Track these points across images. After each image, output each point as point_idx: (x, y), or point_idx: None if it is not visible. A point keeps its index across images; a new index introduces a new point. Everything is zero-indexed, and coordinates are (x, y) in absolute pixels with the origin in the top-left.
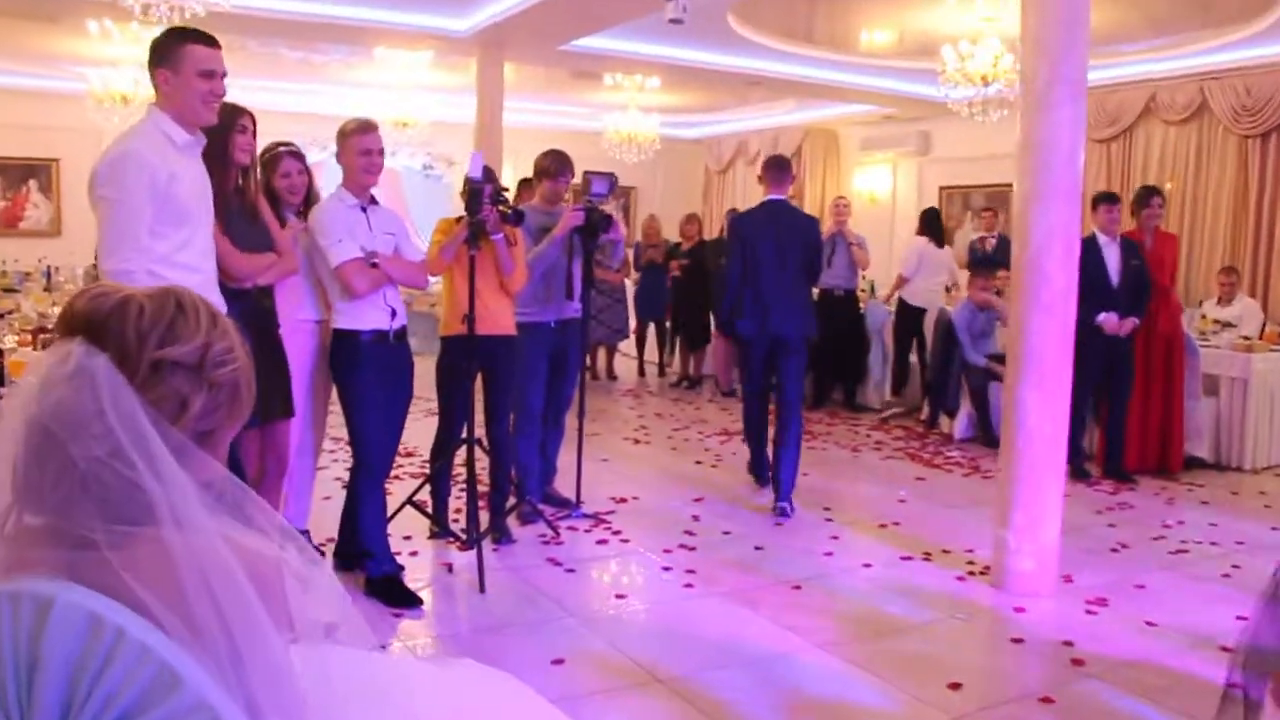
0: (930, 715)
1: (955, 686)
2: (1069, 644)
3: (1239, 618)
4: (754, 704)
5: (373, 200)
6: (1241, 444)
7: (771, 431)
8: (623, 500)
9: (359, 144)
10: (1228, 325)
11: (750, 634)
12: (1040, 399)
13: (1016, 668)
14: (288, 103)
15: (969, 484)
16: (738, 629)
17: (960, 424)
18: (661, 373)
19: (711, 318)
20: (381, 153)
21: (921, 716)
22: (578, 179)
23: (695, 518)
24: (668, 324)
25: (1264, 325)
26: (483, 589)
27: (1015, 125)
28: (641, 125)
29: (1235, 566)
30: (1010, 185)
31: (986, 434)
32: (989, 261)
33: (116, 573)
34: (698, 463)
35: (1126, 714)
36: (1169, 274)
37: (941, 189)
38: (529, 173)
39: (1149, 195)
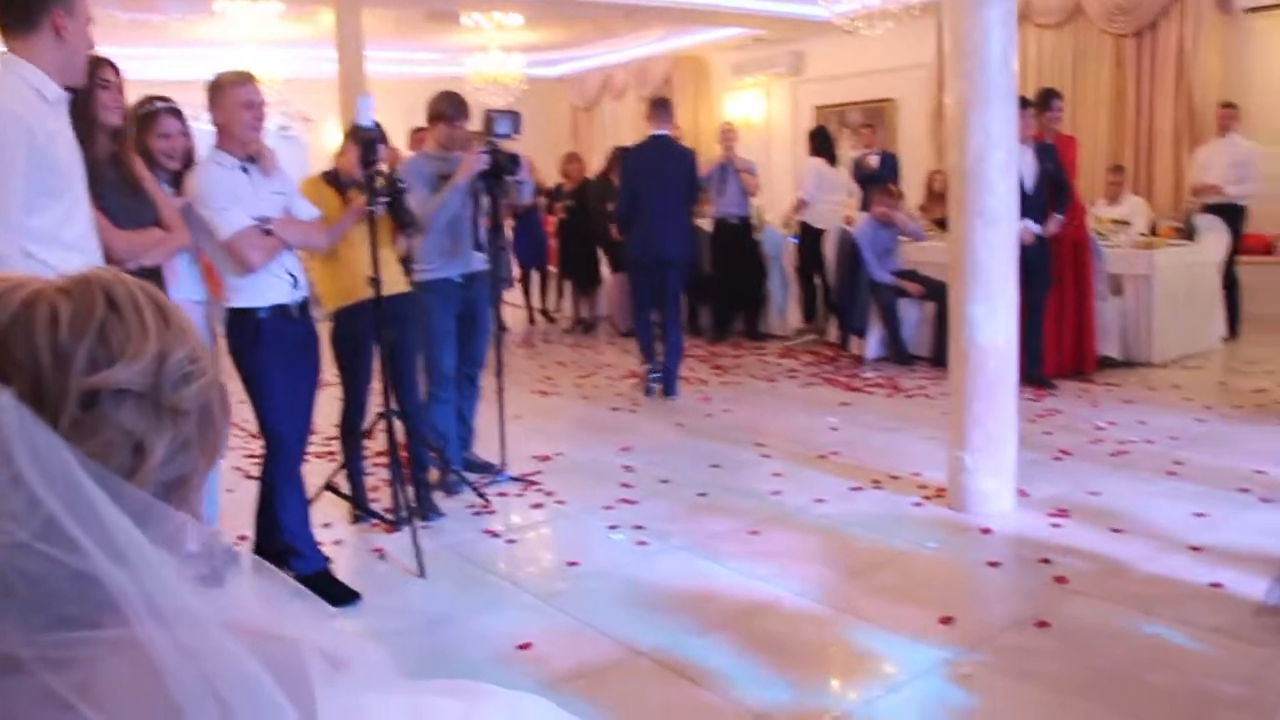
0: (929, 654)
1: (947, 620)
2: (1046, 561)
3: (1197, 514)
4: (748, 667)
5: (251, 159)
6: (1149, 339)
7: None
8: (546, 458)
9: (240, 96)
10: (1123, 224)
11: (722, 589)
12: (989, 313)
13: (1001, 593)
14: (125, 70)
15: (895, 404)
16: (708, 585)
17: (871, 344)
18: (550, 320)
19: (603, 257)
20: (264, 105)
21: (925, 657)
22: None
23: (627, 468)
24: (551, 268)
25: (1153, 222)
26: (422, 573)
27: (890, 40)
28: (505, 66)
29: (1178, 463)
30: (887, 100)
31: (898, 352)
32: (878, 178)
33: (66, 705)
34: (614, 409)
35: (1128, 630)
36: (1071, 176)
37: (817, 108)
38: (394, 125)
39: (1050, 98)
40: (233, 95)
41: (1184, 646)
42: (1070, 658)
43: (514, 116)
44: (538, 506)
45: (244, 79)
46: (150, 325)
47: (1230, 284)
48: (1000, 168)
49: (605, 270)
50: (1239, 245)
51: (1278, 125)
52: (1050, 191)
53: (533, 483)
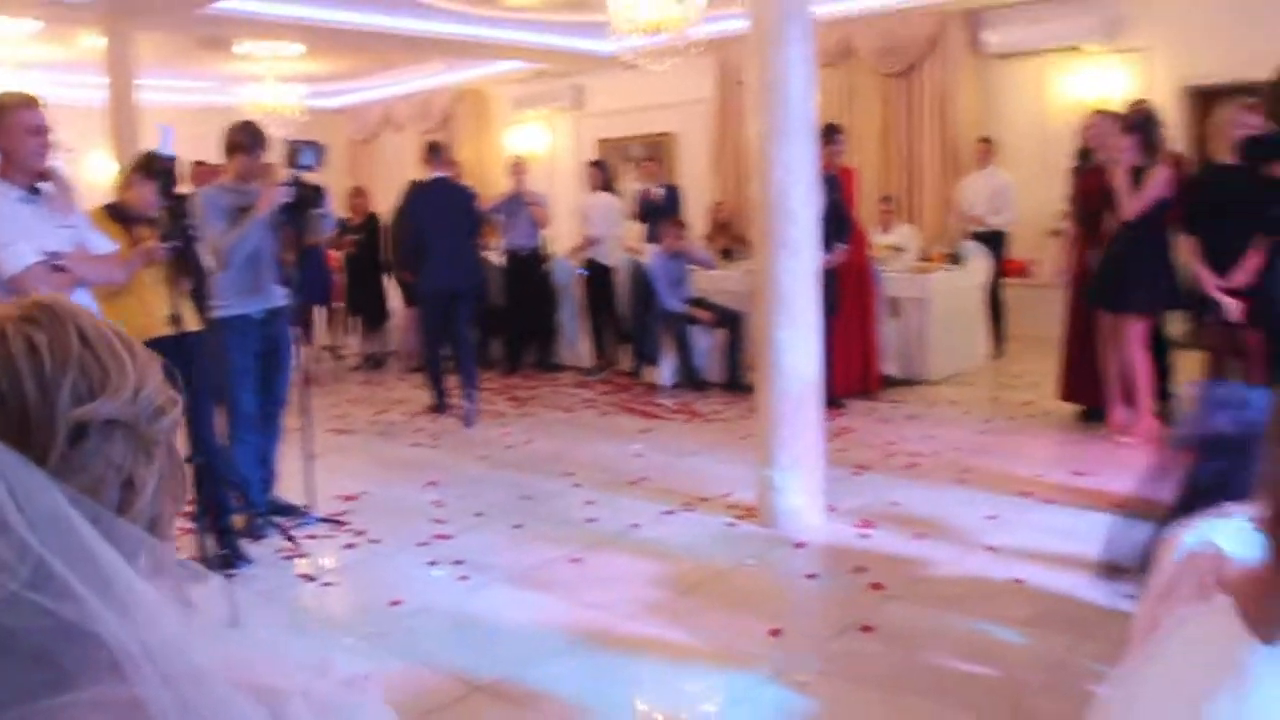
0: (766, 665)
1: (776, 632)
2: (860, 570)
3: (988, 517)
4: (585, 693)
5: (35, 189)
6: (925, 358)
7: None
8: (352, 497)
9: (25, 121)
10: (897, 250)
11: (553, 618)
12: (794, 338)
13: (823, 603)
14: None
15: (694, 429)
16: (538, 615)
17: (665, 372)
18: (338, 357)
19: (397, 289)
20: (50, 130)
21: (761, 669)
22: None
23: (437, 503)
24: (335, 305)
25: (923, 248)
26: (235, 623)
27: (671, 75)
28: (283, 97)
29: (965, 471)
30: (668, 134)
31: (691, 378)
32: (664, 211)
33: None
34: (414, 445)
35: (944, 627)
36: (853, 207)
37: (600, 142)
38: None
39: (833, 132)
40: (16, 119)
41: (996, 639)
42: (896, 658)
43: (317, 148)
44: (350, 547)
45: (27, 102)
46: (124, 356)
47: (995, 305)
48: (801, 199)
49: (395, 305)
50: (1001, 269)
51: (1029, 158)
52: (833, 222)
53: (342, 523)
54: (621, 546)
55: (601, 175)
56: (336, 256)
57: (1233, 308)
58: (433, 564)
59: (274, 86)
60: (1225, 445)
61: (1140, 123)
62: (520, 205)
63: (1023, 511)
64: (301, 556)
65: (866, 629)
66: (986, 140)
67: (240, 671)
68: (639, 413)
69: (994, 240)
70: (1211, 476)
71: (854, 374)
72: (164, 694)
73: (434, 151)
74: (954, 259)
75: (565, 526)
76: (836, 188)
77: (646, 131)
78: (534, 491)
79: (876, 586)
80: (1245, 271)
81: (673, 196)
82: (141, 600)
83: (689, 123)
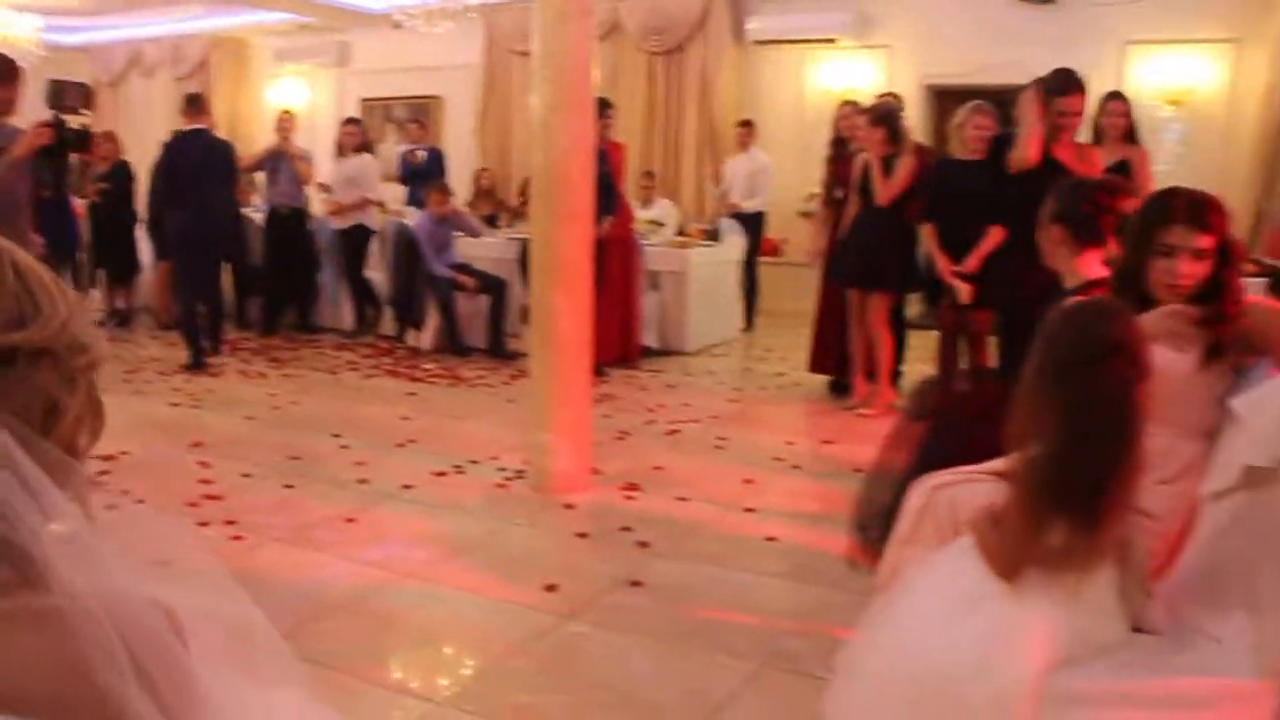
0: (543, 620)
1: (551, 588)
2: (627, 529)
3: (746, 481)
4: (371, 646)
5: None
6: (683, 330)
7: None
8: (111, 457)
9: None
10: (657, 225)
11: (330, 576)
12: (570, 304)
13: (594, 560)
14: None
15: (459, 393)
16: (314, 573)
17: (428, 336)
18: None
19: (149, 242)
20: None
21: (535, 622)
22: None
23: (204, 464)
24: (80, 257)
25: (681, 224)
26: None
27: (439, 37)
28: (16, 27)
29: (722, 438)
30: (434, 97)
31: (455, 343)
32: (427, 174)
33: None
34: (174, 405)
35: (708, 581)
36: (620, 181)
37: (363, 101)
38: None
39: (604, 106)
40: None
41: (754, 591)
42: (665, 610)
43: (84, 88)
44: (112, 508)
45: None
46: (54, 293)
47: (750, 281)
48: (581, 169)
49: (146, 259)
50: (757, 247)
51: (786, 142)
52: (601, 195)
53: (100, 484)
54: (395, 506)
55: (360, 134)
56: (81, 205)
57: (963, 291)
58: (204, 525)
59: (3, 14)
60: (956, 416)
61: (884, 115)
62: (284, 161)
63: (775, 476)
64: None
65: (636, 584)
66: (747, 123)
67: (138, 583)
68: (404, 376)
69: (751, 220)
70: (942, 444)
71: (615, 344)
72: (84, 604)
73: (193, 103)
74: (712, 235)
75: (337, 487)
76: (605, 161)
77: (412, 93)
78: (303, 452)
79: (643, 545)
80: (976, 257)
81: (437, 160)
82: (64, 517)
83: (456, 87)
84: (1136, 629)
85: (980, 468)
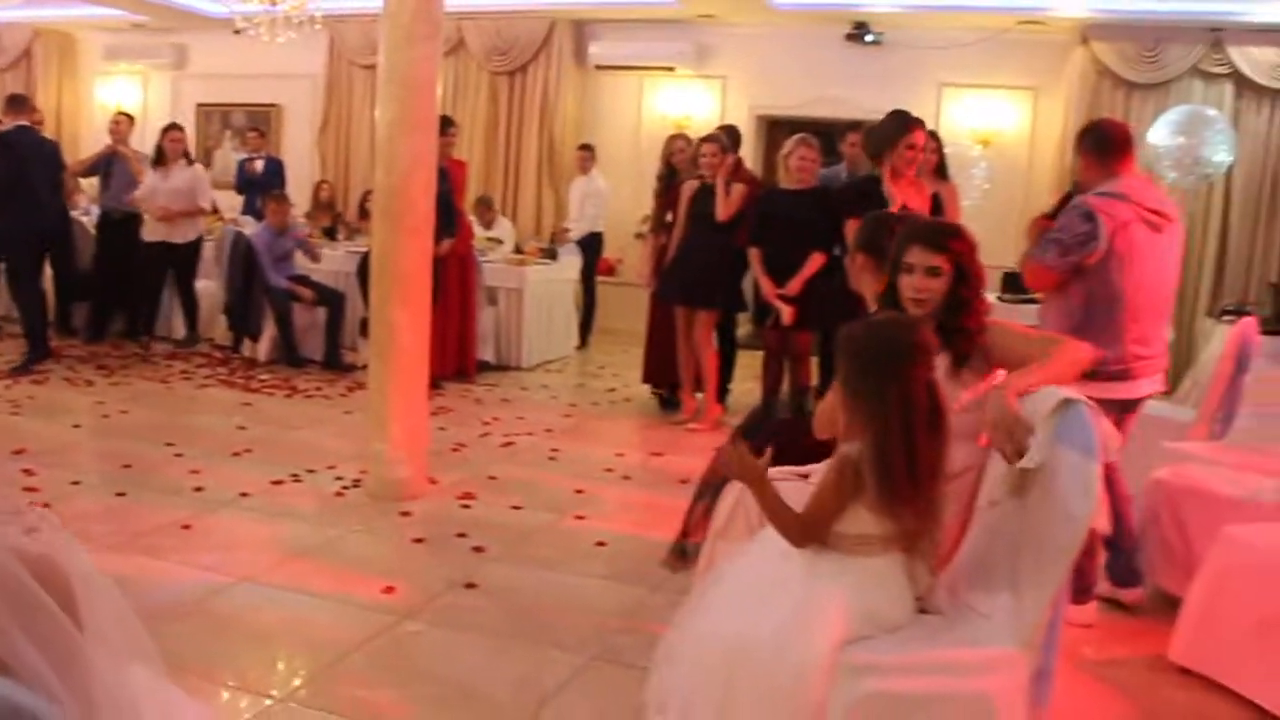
0: (382, 619)
1: (390, 590)
2: (463, 535)
3: (577, 490)
4: (207, 647)
5: None
6: (519, 346)
7: None
8: None
9: None
10: (496, 242)
11: (171, 580)
12: (409, 317)
13: (431, 564)
14: None
15: (295, 404)
16: (151, 578)
17: (264, 347)
18: None
19: None
20: None
21: (373, 621)
22: None
23: (28, 471)
24: None
25: (519, 242)
26: None
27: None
28: None
29: (555, 450)
30: (273, 105)
31: (291, 355)
32: (265, 184)
33: None
34: None
35: (540, 583)
36: (461, 199)
37: (199, 106)
38: None
39: (447, 124)
40: None
41: (583, 591)
42: (499, 610)
43: None
44: None
45: None
46: None
47: (587, 299)
48: (423, 186)
49: None
50: (594, 266)
51: (623, 165)
52: (442, 212)
53: None
54: (232, 514)
55: (184, 142)
56: None
57: (786, 312)
58: (31, 531)
59: None
60: (773, 431)
61: (734, 144)
62: (118, 164)
63: (605, 486)
64: None
65: (471, 585)
66: (587, 147)
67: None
68: (238, 386)
69: (588, 240)
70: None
71: (452, 358)
72: None
73: (16, 100)
74: (549, 254)
75: (172, 495)
76: (445, 179)
77: (251, 101)
78: (134, 460)
79: (479, 550)
80: (798, 281)
81: (276, 170)
82: None
83: (296, 96)
84: (922, 610)
85: (791, 469)
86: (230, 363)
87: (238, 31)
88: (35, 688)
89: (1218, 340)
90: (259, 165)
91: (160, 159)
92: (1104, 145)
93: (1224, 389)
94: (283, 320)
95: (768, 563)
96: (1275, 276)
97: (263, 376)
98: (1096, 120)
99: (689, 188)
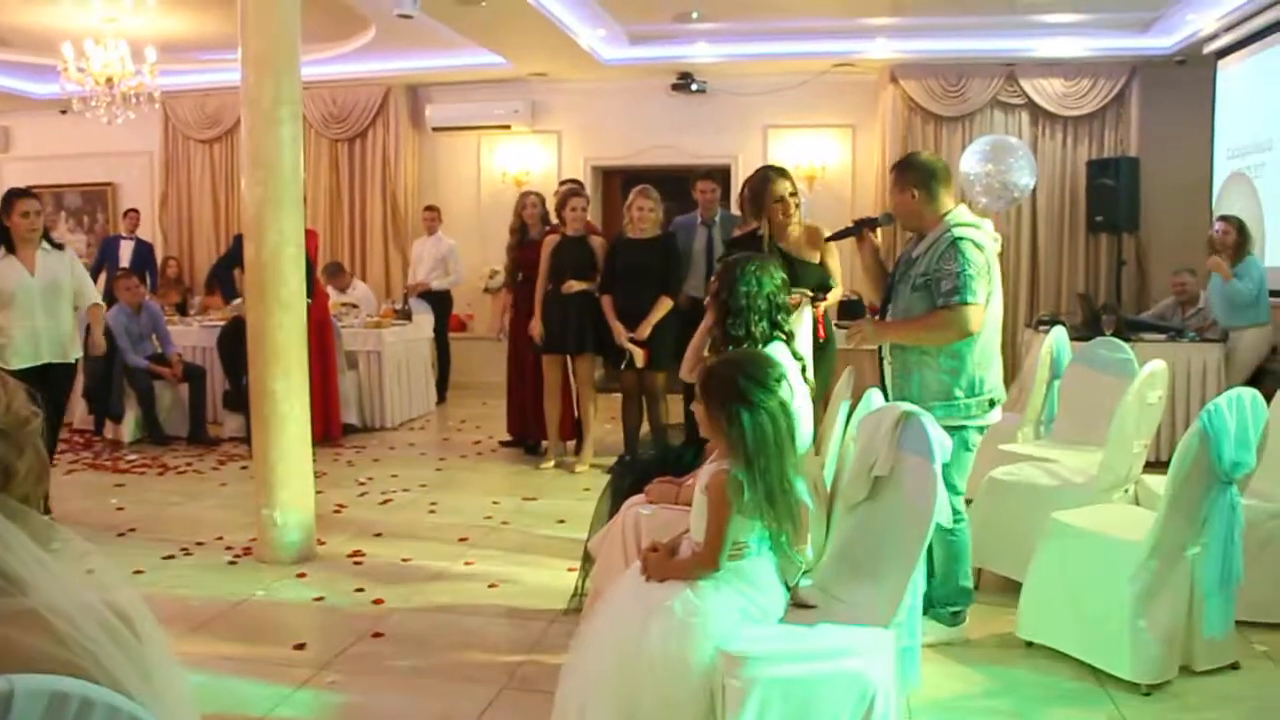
0: (301, 673)
1: (300, 646)
2: (360, 590)
3: (461, 539)
4: None
5: None
6: (383, 406)
7: None
8: None
9: None
10: (352, 306)
11: None
12: (289, 387)
13: (336, 619)
14: None
15: (169, 481)
16: None
17: (127, 427)
18: None
19: None
20: None
21: (294, 675)
22: None
23: None
24: None
25: (376, 303)
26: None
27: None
28: None
29: (434, 503)
30: (108, 183)
31: (155, 433)
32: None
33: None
34: None
35: (441, 626)
36: (314, 266)
37: (29, 188)
38: None
39: None
40: None
41: (485, 631)
42: (408, 654)
43: None
44: None
45: None
46: None
47: (444, 357)
48: (292, 261)
49: None
50: (447, 324)
51: (466, 221)
52: None
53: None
54: (137, 590)
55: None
56: None
57: (639, 355)
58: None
59: None
60: (644, 468)
61: (560, 201)
62: None
63: (488, 532)
64: None
65: (377, 635)
66: (432, 208)
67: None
68: (107, 469)
69: (440, 298)
70: (630, 490)
71: (317, 423)
72: (59, 606)
73: None
74: (403, 315)
75: None
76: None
77: (83, 180)
78: None
79: (378, 601)
80: (647, 324)
81: (144, 251)
82: (26, 546)
83: (131, 174)
84: (797, 604)
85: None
86: (94, 446)
87: (64, 111)
88: (136, 698)
89: (1036, 349)
90: (128, 245)
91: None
92: (941, 178)
93: (1043, 393)
94: (146, 399)
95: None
96: (1082, 286)
97: (130, 457)
98: (917, 155)
99: (549, 242)
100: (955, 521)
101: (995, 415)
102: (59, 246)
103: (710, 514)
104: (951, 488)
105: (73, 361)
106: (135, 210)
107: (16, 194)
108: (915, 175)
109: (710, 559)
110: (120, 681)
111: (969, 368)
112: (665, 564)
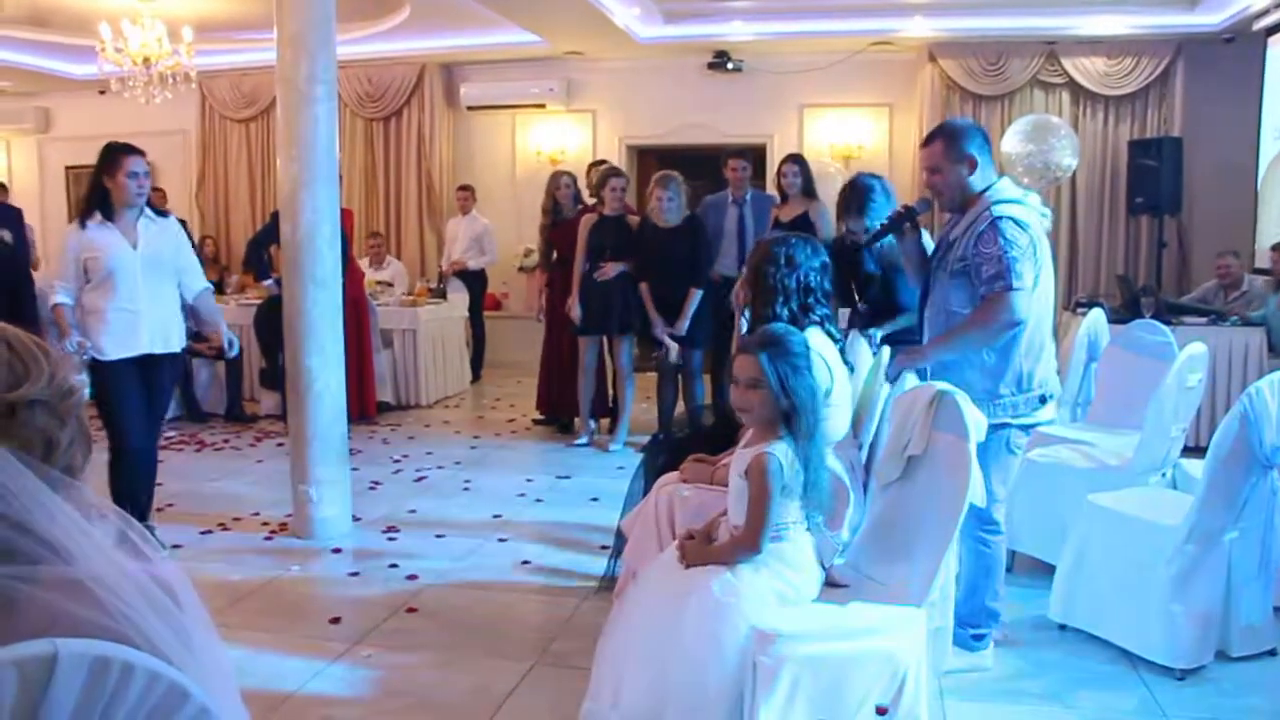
0: (333, 646)
1: (336, 620)
2: (394, 565)
3: (495, 516)
4: None
5: None
6: (418, 384)
7: None
8: None
9: None
10: (387, 285)
11: None
12: (323, 364)
13: (370, 593)
14: None
15: (206, 458)
16: None
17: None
18: None
19: None
20: None
21: (329, 649)
22: None
23: None
24: None
25: (410, 283)
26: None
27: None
28: None
29: (468, 480)
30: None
31: (193, 411)
32: None
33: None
34: None
35: (475, 599)
36: (350, 244)
37: (68, 169)
38: None
39: None
40: None
41: (518, 607)
42: (441, 629)
43: None
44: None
45: None
46: (39, 356)
47: (479, 335)
48: (328, 239)
49: None
50: (482, 303)
51: (501, 200)
52: None
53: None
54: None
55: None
56: None
57: (675, 350)
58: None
59: None
60: (678, 446)
61: (599, 181)
62: None
63: (521, 509)
64: None
65: (411, 610)
66: (466, 188)
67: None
68: None
69: (475, 277)
70: (663, 469)
71: (352, 401)
72: (103, 576)
73: None
74: (438, 293)
75: None
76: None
77: None
78: None
79: (412, 577)
80: (683, 318)
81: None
82: (70, 517)
83: (169, 154)
84: (830, 584)
85: (698, 468)
86: None
87: (102, 92)
88: (177, 665)
89: (1074, 332)
90: None
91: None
92: (988, 143)
93: (1080, 375)
94: (183, 377)
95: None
96: (1121, 268)
97: (168, 434)
98: (956, 120)
99: (587, 221)
100: (990, 532)
101: (1048, 412)
102: (163, 214)
103: (752, 497)
104: (990, 493)
105: (178, 351)
106: (160, 190)
107: (122, 150)
108: (970, 141)
109: (752, 541)
110: (161, 649)
111: (1014, 361)
112: (704, 551)
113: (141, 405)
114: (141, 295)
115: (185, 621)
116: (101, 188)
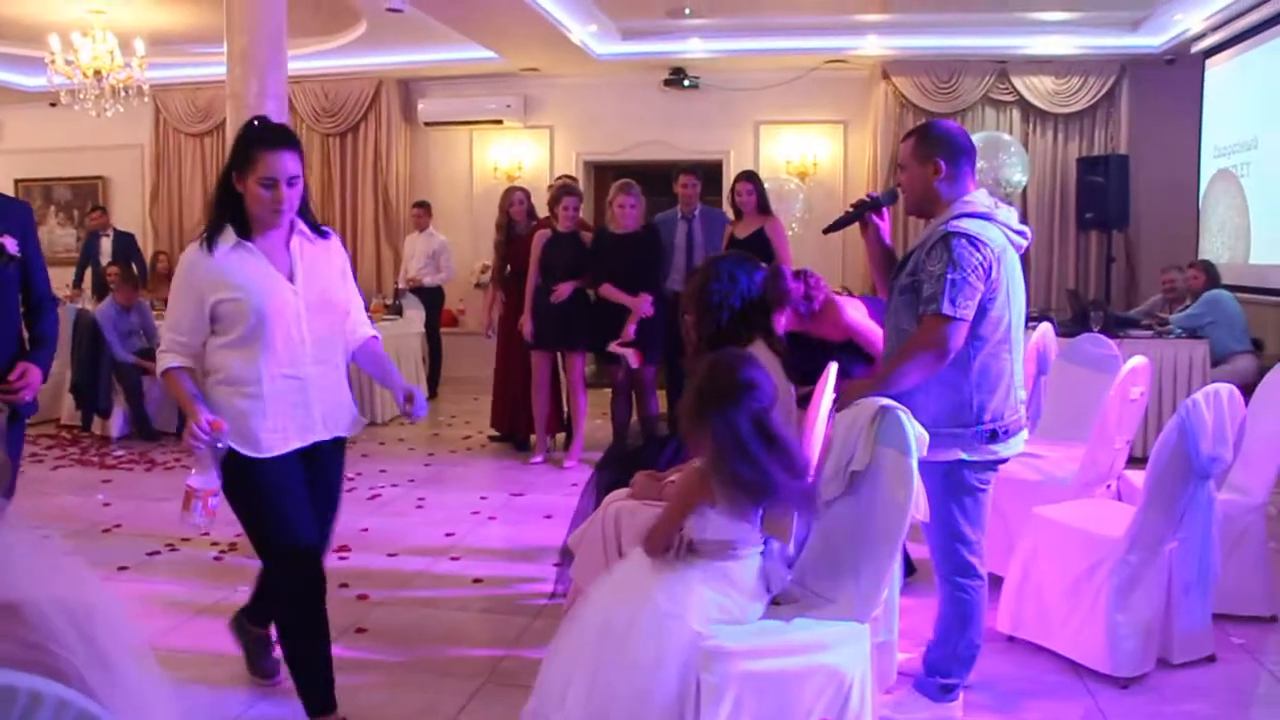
0: (284, 667)
1: None
2: (345, 585)
3: (448, 534)
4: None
5: None
6: (373, 401)
7: None
8: None
9: None
10: None
11: None
12: None
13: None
14: None
15: (155, 477)
16: None
17: (117, 422)
18: None
19: None
20: None
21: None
22: None
23: None
24: None
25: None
26: None
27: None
28: None
29: (421, 499)
30: (99, 177)
31: (144, 429)
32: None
33: None
34: None
35: (425, 621)
36: None
37: (17, 182)
38: None
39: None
40: None
41: (468, 626)
42: (391, 650)
43: None
44: None
45: None
46: None
47: (436, 352)
48: None
49: None
50: (438, 319)
51: (458, 216)
52: None
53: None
54: (114, 587)
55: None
56: None
57: (631, 358)
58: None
59: None
60: (629, 461)
61: (554, 197)
62: None
63: (475, 527)
64: None
65: (361, 630)
66: (423, 204)
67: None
68: (94, 464)
69: (431, 293)
70: (611, 485)
71: None
72: (14, 600)
73: None
74: (394, 310)
75: None
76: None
77: (75, 174)
78: None
79: (362, 597)
80: (630, 325)
81: (126, 241)
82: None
83: (122, 167)
84: (777, 601)
85: (647, 483)
86: (81, 442)
87: (53, 104)
88: (96, 693)
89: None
90: (106, 242)
91: None
92: (970, 155)
93: (1030, 390)
94: (133, 395)
95: (635, 572)
96: (1072, 282)
97: (118, 453)
98: (940, 122)
99: (540, 237)
100: (967, 577)
101: (1012, 447)
102: (323, 233)
103: (672, 493)
104: (957, 536)
105: (348, 437)
106: (101, 209)
107: (266, 137)
108: (942, 145)
109: (653, 540)
110: (81, 677)
111: (963, 391)
112: (653, 487)
113: (308, 513)
114: (306, 355)
115: (108, 646)
116: (231, 191)
